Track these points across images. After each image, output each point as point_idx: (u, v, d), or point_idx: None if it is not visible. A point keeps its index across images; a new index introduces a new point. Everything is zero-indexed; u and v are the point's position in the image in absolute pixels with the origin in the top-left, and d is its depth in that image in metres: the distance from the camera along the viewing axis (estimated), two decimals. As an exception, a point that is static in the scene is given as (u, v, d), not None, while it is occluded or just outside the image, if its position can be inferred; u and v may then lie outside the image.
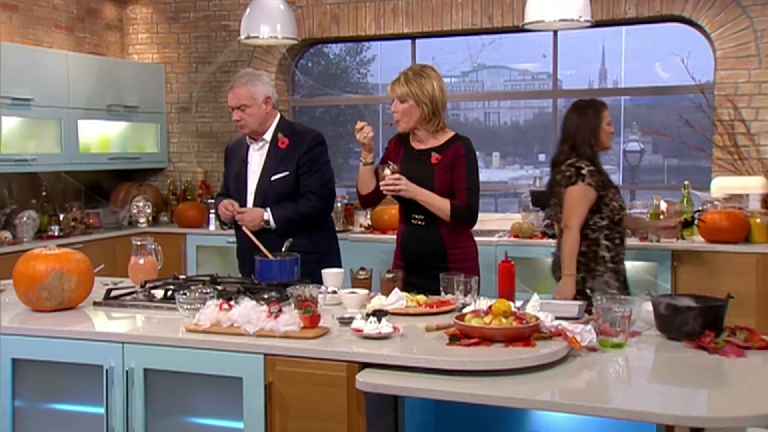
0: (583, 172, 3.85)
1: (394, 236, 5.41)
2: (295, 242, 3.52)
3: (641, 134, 7.17)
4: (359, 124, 3.60)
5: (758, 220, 5.05)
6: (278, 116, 3.95)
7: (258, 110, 3.83)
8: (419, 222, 3.65)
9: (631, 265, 5.09)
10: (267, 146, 3.89)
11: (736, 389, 2.36)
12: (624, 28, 6.23)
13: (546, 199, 5.46)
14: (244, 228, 3.71)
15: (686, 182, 5.38)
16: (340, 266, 3.78)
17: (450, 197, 3.58)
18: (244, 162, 3.92)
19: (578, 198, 3.83)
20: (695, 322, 2.68)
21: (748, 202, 5.19)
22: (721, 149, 5.49)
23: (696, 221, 5.13)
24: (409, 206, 3.65)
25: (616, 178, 7.37)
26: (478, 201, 3.66)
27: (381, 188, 3.58)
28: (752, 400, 2.25)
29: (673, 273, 4.97)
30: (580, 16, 3.49)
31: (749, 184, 5.23)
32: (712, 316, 2.70)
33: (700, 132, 5.58)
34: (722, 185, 5.30)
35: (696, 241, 5.12)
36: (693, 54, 5.65)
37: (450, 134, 3.68)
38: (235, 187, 3.95)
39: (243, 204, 3.85)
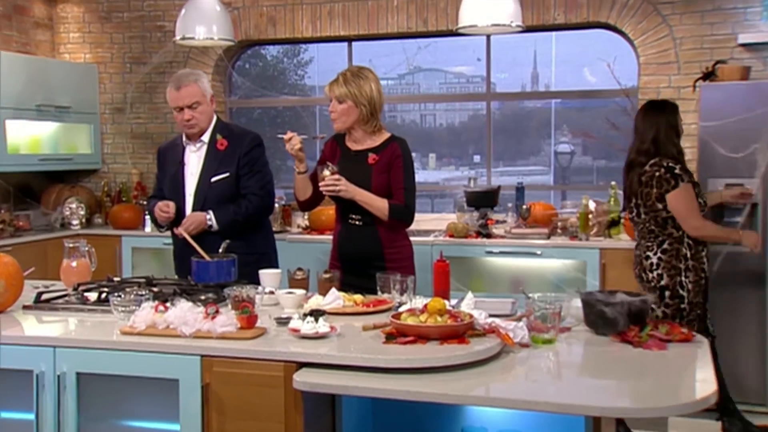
0: (677, 171, 3.95)
1: (332, 237, 5.41)
2: (233, 244, 3.49)
3: (571, 136, 7.30)
4: (288, 135, 3.56)
5: (681, 219, 5.17)
6: (215, 117, 3.90)
7: (208, 108, 3.80)
8: (356, 222, 3.65)
9: (561, 263, 5.21)
10: (205, 148, 3.83)
11: (658, 381, 2.41)
12: (554, 33, 6.32)
13: (480, 200, 5.54)
14: (180, 230, 3.66)
15: (613, 183, 5.48)
16: (277, 267, 3.77)
17: (387, 197, 3.58)
18: (181, 164, 3.86)
19: (687, 198, 3.95)
20: (621, 318, 2.74)
21: (672, 201, 5.30)
22: (647, 151, 5.60)
23: (622, 220, 5.24)
24: (346, 207, 3.64)
25: (548, 179, 7.49)
26: (415, 200, 3.68)
27: (321, 189, 3.56)
28: (673, 390, 2.32)
29: (601, 270, 5.07)
30: (512, 22, 3.54)
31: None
32: (637, 312, 2.77)
33: (625, 134, 5.69)
34: (647, 186, 5.40)
35: (623, 239, 5.23)
36: (618, 59, 5.76)
37: (386, 135, 3.68)
38: (171, 189, 3.87)
39: (182, 205, 3.79)
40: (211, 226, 3.72)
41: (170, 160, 3.92)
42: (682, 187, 3.94)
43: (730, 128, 4.76)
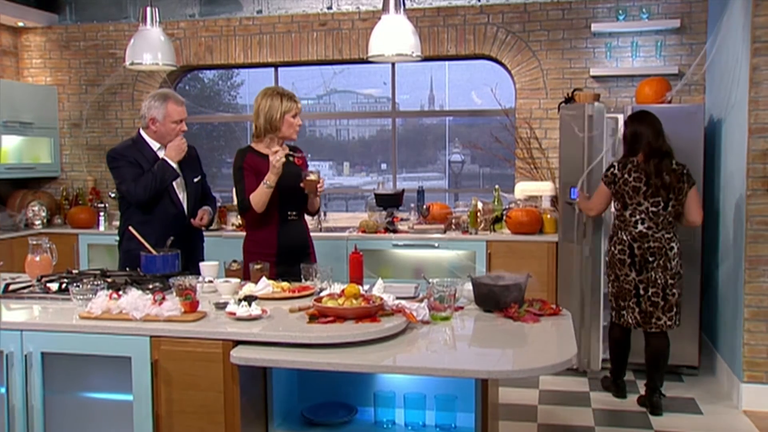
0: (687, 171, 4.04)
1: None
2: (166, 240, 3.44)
3: (462, 148, 7.39)
4: (276, 148, 3.44)
5: (548, 216, 5.31)
6: None
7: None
8: (293, 217, 3.60)
9: (455, 254, 5.27)
10: None
11: (532, 348, 2.47)
12: (447, 62, 6.40)
13: (387, 201, 5.55)
14: (130, 228, 3.51)
15: (497, 186, 5.56)
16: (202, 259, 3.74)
17: None
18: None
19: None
20: (503, 297, 2.79)
21: (541, 201, 5.44)
22: (521, 160, 5.74)
23: (504, 217, 5.34)
24: (285, 203, 3.55)
25: (443, 183, 7.58)
26: None
27: (318, 189, 3.46)
28: (544, 354, 2.37)
29: (488, 258, 5.15)
30: (413, 52, 3.54)
31: (542, 188, 5.46)
32: (516, 292, 2.82)
33: (506, 146, 5.81)
34: (522, 189, 5.52)
35: (504, 232, 5.33)
36: (499, 85, 5.87)
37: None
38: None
39: (176, 201, 3.68)
40: (212, 220, 3.84)
41: (142, 162, 3.64)
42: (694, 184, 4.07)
43: (585, 142, 4.89)
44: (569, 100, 5.16)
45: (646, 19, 5.36)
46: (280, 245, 3.57)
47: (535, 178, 5.66)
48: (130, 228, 3.49)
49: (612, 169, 4.09)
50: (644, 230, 4.02)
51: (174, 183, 3.67)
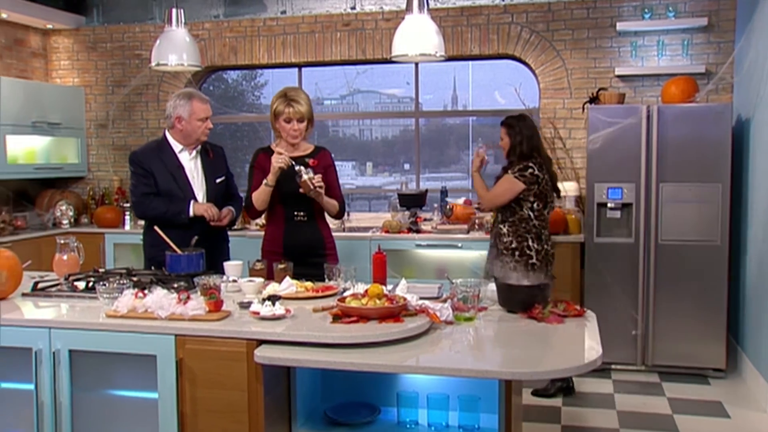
0: None
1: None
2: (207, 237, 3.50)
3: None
4: (279, 149, 3.48)
5: (573, 216, 5.27)
6: None
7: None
8: (302, 218, 3.60)
9: (478, 254, 5.24)
10: (199, 155, 3.76)
11: (556, 349, 2.45)
12: (470, 62, 6.38)
13: (411, 201, 5.55)
14: (156, 228, 3.54)
15: (519, 186, 5.53)
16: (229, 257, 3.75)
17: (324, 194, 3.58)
18: (180, 168, 3.71)
19: None
20: (527, 298, 2.77)
21: (566, 202, 5.40)
22: (546, 160, 5.69)
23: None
24: (292, 204, 3.57)
25: (466, 183, 7.55)
26: None
27: (314, 185, 3.42)
28: (567, 356, 2.36)
29: (510, 259, 5.12)
30: (436, 52, 3.53)
31: (566, 188, 5.40)
32: (540, 293, 2.80)
33: (529, 146, 5.76)
34: (546, 188, 5.48)
35: (527, 233, 5.29)
36: (523, 85, 5.83)
37: (309, 144, 3.68)
38: (175, 188, 3.67)
39: (192, 200, 3.69)
40: (234, 220, 3.81)
41: (162, 163, 3.69)
42: None
43: (611, 142, 4.87)
44: (594, 99, 5.13)
45: (672, 18, 5.30)
46: (286, 245, 3.59)
47: (559, 179, 5.61)
48: (156, 228, 3.52)
49: (532, 170, 4.01)
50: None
51: (192, 184, 3.71)
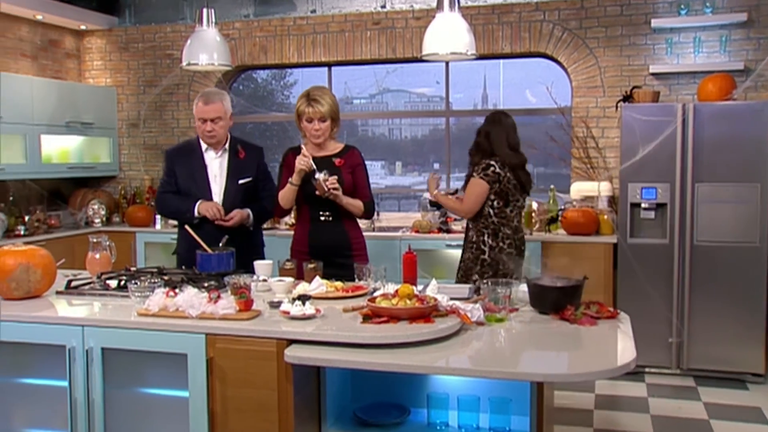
0: None
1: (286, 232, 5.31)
2: (237, 237, 3.52)
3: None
4: (305, 153, 3.49)
5: (605, 217, 5.22)
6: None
7: (226, 123, 3.76)
8: (327, 218, 3.60)
9: (508, 254, 5.20)
10: (227, 155, 3.79)
11: (589, 351, 2.43)
12: (501, 61, 6.34)
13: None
14: (186, 227, 3.60)
15: (552, 186, 5.51)
16: (264, 257, 3.75)
17: (351, 194, 3.58)
18: (204, 167, 3.79)
19: None
20: (559, 299, 2.75)
21: (598, 202, 5.35)
22: (578, 160, 5.65)
23: (560, 217, 5.27)
24: (315, 205, 3.58)
25: (496, 183, 7.50)
26: None
27: (328, 188, 3.43)
28: (600, 359, 2.33)
29: (543, 259, 5.08)
30: (467, 50, 3.51)
31: (599, 188, 5.39)
32: (572, 294, 2.78)
33: (561, 146, 5.73)
34: (578, 189, 5.45)
35: (560, 233, 5.26)
36: (555, 83, 5.79)
37: (339, 143, 3.67)
38: (196, 188, 3.75)
39: (209, 199, 3.74)
40: (249, 222, 3.75)
41: (187, 162, 3.79)
42: None
43: (645, 141, 4.81)
44: (628, 98, 5.07)
45: (709, 14, 5.21)
46: (311, 245, 3.60)
47: (592, 178, 5.57)
48: (186, 227, 3.58)
49: (493, 168, 3.99)
50: (518, 224, 4.16)
51: (211, 183, 3.75)
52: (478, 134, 4.16)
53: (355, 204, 3.59)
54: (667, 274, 4.80)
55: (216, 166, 3.79)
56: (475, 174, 4.03)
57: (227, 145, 3.80)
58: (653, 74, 5.40)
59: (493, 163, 4.00)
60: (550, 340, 2.52)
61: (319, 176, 3.42)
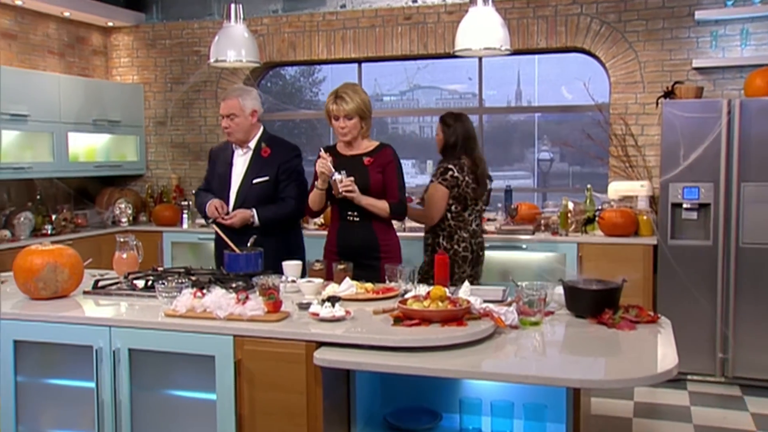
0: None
1: (320, 232, 5.37)
2: (266, 240, 3.54)
3: (551, 145, 7.27)
4: (324, 154, 3.53)
5: (645, 218, 5.16)
6: (262, 128, 3.89)
7: (244, 121, 3.78)
8: (354, 219, 3.61)
9: (543, 256, 5.19)
10: (251, 153, 3.83)
11: (628, 356, 2.41)
12: (536, 56, 6.30)
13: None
14: (213, 226, 3.66)
15: (589, 186, 5.45)
16: (304, 259, 3.75)
17: (381, 194, 3.57)
18: (229, 165, 3.85)
19: None
20: (597, 302, 2.73)
21: (637, 202, 5.29)
22: (616, 158, 5.59)
23: (597, 218, 5.22)
24: (343, 205, 3.60)
25: (531, 183, 7.47)
26: (405, 198, 3.71)
27: (340, 189, 3.47)
28: (640, 364, 2.31)
29: (579, 261, 5.04)
30: (501, 46, 3.51)
31: (638, 188, 5.31)
32: (610, 297, 2.76)
33: (598, 144, 5.68)
34: (617, 188, 5.39)
35: (597, 234, 5.21)
36: (592, 79, 5.73)
37: (374, 141, 3.67)
38: (219, 187, 3.86)
39: (226, 201, 3.79)
40: (253, 222, 3.71)
41: (220, 161, 3.90)
42: None
43: (687, 139, 4.74)
44: (669, 94, 5.00)
45: (758, 4, 5.11)
46: (339, 245, 3.64)
47: (630, 178, 5.51)
48: (214, 226, 3.63)
49: (451, 172, 4.00)
50: (476, 228, 4.20)
51: (232, 182, 3.81)
52: (447, 134, 4.14)
53: (378, 205, 3.56)
54: (710, 277, 4.73)
55: (240, 164, 3.84)
56: (433, 179, 4.07)
57: (252, 143, 3.84)
58: (696, 69, 5.32)
59: (451, 167, 4.04)
60: (587, 345, 2.50)
61: (336, 177, 3.45)
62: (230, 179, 3.83)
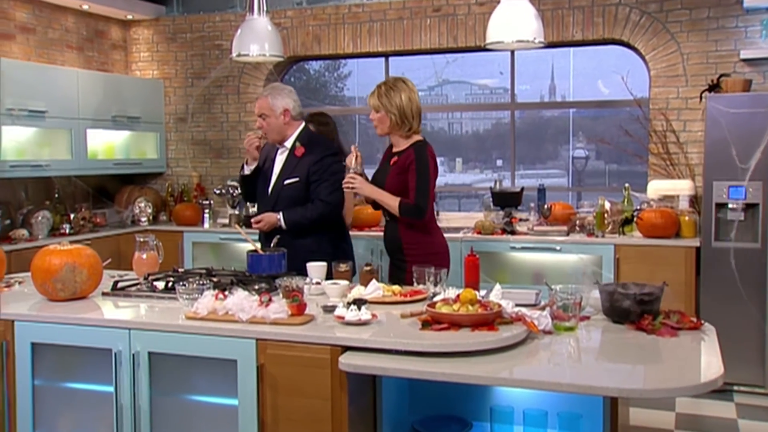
0: None
1: (371, 233, 5.50)
2: (302, 243, 3.63)
3: (587, 142, 7.22)
4: (355, 148, 3.67)
5: (687, 218, 5.10)
6: (301, 126, 3.91)
7: (275, 120, 3.82)
8: (388, 219, 3.71)
9: (579, 258, 5.15)
10: (287, 153, 3.87)
11: (668, 365, 2.38)
12: (571, 49, 6.27)
13: (506, 200, 5.50)
14: (236, 227, 3.72)
15: (626, 185, 5.41)
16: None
17: (403, 195, 3.60)
18: (272, 163, 3.92)
19: None
20: (636, 307, 2.71)
21: (678, 202, 5.23)
22: (656, 156, 5.54)
23: (635, 219, 5.18)
24: (377, 205, 3.71)
25: (565, 182, 7.42)
26: (427, 199, 3.55)
27: (346, 186, 3.61)
28: (682, 373, 2.28)
29: (616, 264, 5.00)
30: (535, 38, 3.49)
31: (679, 187, 5.27)
32: (650, 302, 2.73)
33: (637, 140, 5.63)
34: (656, 187, 5.34)
35: (635, 236, 5.16)
36: (631, 72, 5.68)
37: (413, 140, 3.67)
38: (262, 184, 3.95)
39: (264, 201, 3.88)
40: (281, 226, 3.75)
41: (268, 158, 3.97)
42: None
43: (734, 136, 4.68)
44: (714, 87, 4.94)
45: (810, -8, 5.03)
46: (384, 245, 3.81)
47: (671, 176, 5.45)
48: (236, 226, 3.68)
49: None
50: None
51: (270, 181, 3.87)
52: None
53: (387, 201, 3.61)
54: (758, 282, 4.66)
55: (278, 163, 3.89)
56: None
57: (289, 143, 3.87)
58: (744, 60, 5.24)
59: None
60: (626, 352, 2.48)
61: (348, 171, 3.61)
62: (271, 178, 3.90)
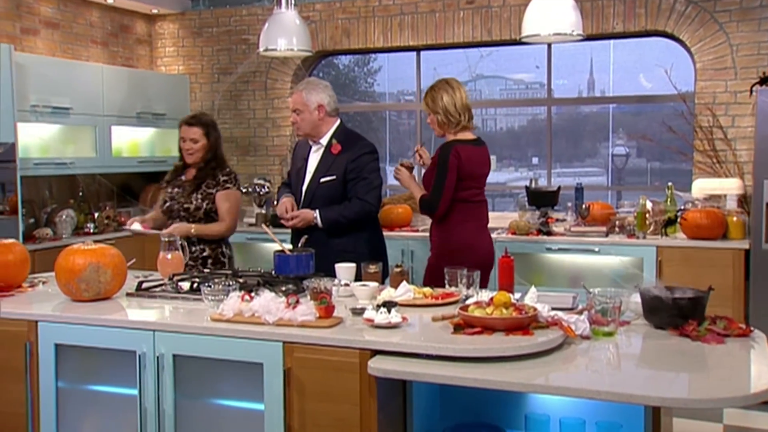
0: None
1: (401, 233, 5.52)
2: (337, 242, 3.67)
3: (627, 139, 7.14)
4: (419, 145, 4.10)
5: (735, 219, 5.03)
6: (336, 123, 3.92)
7: (309, 116, 3.83)
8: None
9: (618, 260, 5.10)
10: (322, 150, 3.88)
11: (715, 373, 2.35)
12: (612, 41, 6.21)
13: (542, 199, 5.47)
14: (263, 226, 3.75)
15: (669, 183, 5.35)
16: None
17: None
18: (305, 161, 3.94)
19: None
20: (680, 312, 2.67)
21: (725, 201, 5.17)
22: (701, 153, 5.47)
23: (679, 219, 5.12)
24: None
25: (604, 181, 7.34)
26: (439, 196, 3.74)
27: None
28: (729, 383, 2.24)
29: (658, 266, 4.95)
30: (573, 31, 3.47)
31: (727, 186, 5.20)
32: (695, 307, 2.70)
33: (681, 137, 5.56)
34: (702, 186, 5.28)
35: (678, 237, 5.10)
36: (675, 66, 5.62)
37: (448, 140, 3.81)
38: (295, 183, 3.99)
39: (299, 198, 3.89)
40: (317, 224, 3.76)
41: (298, 156, 4.02)
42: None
43: None
44: (766, 80, 4.86)
45: None
46: None
47: (718, 174, 5.38)
48: (263, 226, 3.72)
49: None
50: None
51: (305, 179, 3.90)
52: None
53: (415, 196, 3.95)
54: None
55: (313, 161, 3.91)
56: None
57: (324, 139, 3.88)
58: (797, 52, 5.16)
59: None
60: (668, 359, 2.45)
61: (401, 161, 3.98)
62: (304, 176, 3.91)
